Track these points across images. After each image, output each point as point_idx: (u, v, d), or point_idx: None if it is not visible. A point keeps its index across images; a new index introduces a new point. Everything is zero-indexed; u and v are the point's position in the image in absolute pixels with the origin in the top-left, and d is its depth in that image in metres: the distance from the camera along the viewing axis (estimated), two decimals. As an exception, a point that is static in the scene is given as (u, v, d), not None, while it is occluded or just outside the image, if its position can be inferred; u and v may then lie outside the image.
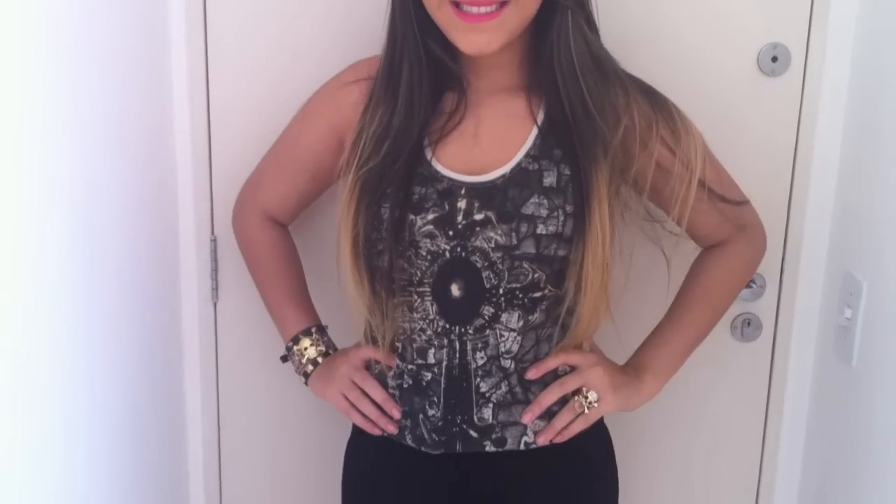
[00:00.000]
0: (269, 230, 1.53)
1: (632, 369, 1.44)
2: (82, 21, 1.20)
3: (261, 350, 1.70)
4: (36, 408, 1.06)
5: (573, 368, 1.39)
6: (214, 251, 1.67)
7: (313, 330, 1.49)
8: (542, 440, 1.38)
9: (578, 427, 1.39)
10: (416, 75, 1.30)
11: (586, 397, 1.38)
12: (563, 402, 1.39)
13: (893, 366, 1.36)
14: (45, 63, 1.08)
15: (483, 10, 1.21)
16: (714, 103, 1.56)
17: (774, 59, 1.58)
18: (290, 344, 1.50)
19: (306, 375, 1.48)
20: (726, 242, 1.46)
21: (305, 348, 1.48)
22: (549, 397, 1.37)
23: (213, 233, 1.66)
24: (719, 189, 1.39)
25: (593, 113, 1.28)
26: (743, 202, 1.45)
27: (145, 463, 1.49)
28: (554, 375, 1.39)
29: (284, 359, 1.53)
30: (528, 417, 1.37)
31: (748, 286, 1.66)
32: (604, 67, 1.31)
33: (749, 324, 1.69)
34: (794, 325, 1.67)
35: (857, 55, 1.52)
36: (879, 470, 1.39)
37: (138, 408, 1.45)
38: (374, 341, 1.41)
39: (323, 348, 1.49)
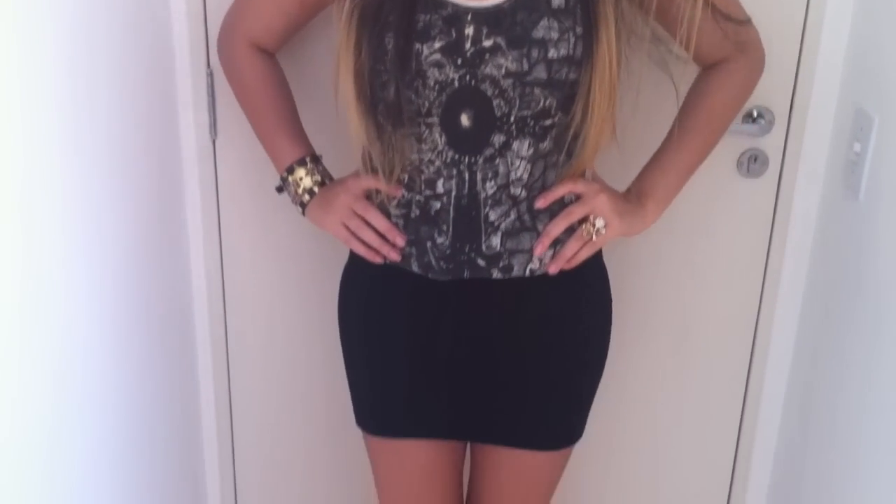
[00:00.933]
0: (256, 58, 1.48)
1: (633, 196, 1.46)
2: None
3: (261, 185, 1.69)
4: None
5: (578, 197, 1.40)
6: (211, 86, 1.63)
7: (308, 159, 1.47)
8: (553, 269, 1.40)
9: (586, 254, 1.42)
10: None
11: (593, 224, 1.40)
12: (570, 231, 1.40)
13: (901, 200, 1.35)
14: None
15: None
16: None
17: None
18: (285, 174, 1.48)
19: (303, 206, 1.47)
20: (725, 62, 1.43)
21: (301, 178, 1.47)
22: (557, 227, 1.38)
23: (208, 66, 1.62)
24: (724, 7, 1.36)
25: None
26: (745, 21, 1.42)
27: (147, 308, 1.50)
28: (560, 204, 1.39)
29: (280, 189, 1.51)
30: (539, 249, 1.38)
31: (755, 121, 1.63)
32: None
33: (755, 159, 1.67)
34: (801, 161, 1.65)
35: None
36: (882, 304, 1.39)
37: (138, 249, 1.45)
38: (375, 172, 1.39)
39: (318, 178, 1.47)
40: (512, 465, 1.51)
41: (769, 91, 1.60)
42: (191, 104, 1.63)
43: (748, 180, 1.69)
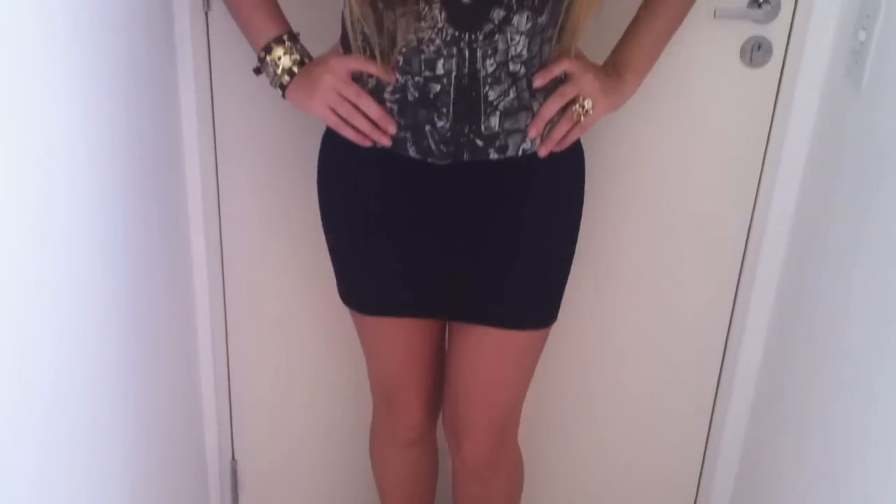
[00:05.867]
0: None
1: (613, 70, 1.47)
2: None
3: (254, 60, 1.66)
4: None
5: (567, 76, 1.40)
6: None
7: (285, 37, 1.43)
8: (544, 151, 1.41)
9: (575, 135, 1.43)
10: None
11: (583, 105, 1.41)
12: (561, 111, 1.41)
13: (903, 90, 1.33)
14: None
15: None
16: None
17: None
18: (262, 54, 1.44)
19: (283, 87, 1.44)
20: None
21: (279, 57, 1.42)
22: (550, 108, 1.39)
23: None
24: None
25: None
26: None
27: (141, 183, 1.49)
28: (553, 82, 1.39)
29: (258, 71, 1.47)
30: (534, 131, 1.39)
31: (760, 6, 1.60)
32: None
33: (759, 47, 1.64)
34: (805, 49, 1.62)
35: None
36: (882, 193, 1.38)
37: (129, 124, 1.43)
38: (360, 53, 1.37)
39: (297, 56, 1.43)
40: (488, 343, 1.52)
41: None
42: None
43: (751, 69, 1.67)
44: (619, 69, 1.46)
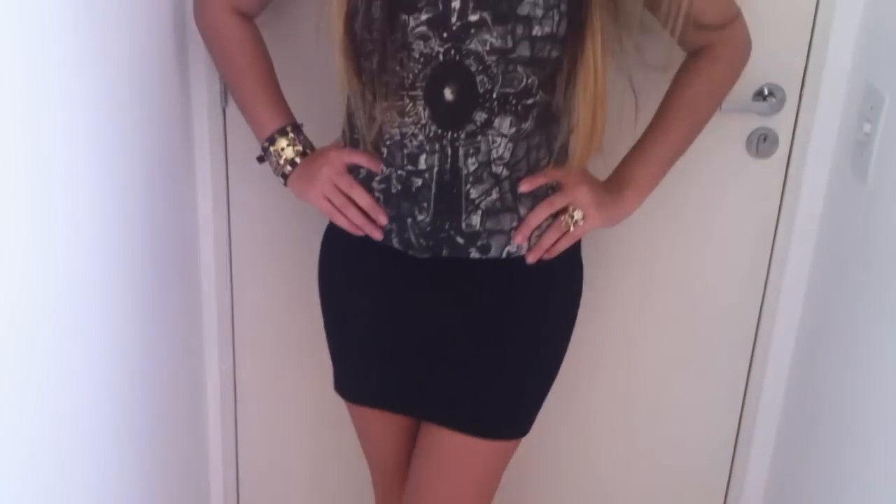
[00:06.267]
0: (235, 22, 1.47)
1: (614, 185, 1.46)
2: None
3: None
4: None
5: (559, 185, 1.40)
6: (223, 52, 1.63)
7: (289, 129, 1.47)
8: (531, 259, 1.41)
9: (564, 245, 1.43)
10: None
11: (572, 216, 1.41)
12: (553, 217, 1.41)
13: (909, 181, 1.35)
14: None
15: None
16: None
17: None
18: (266, 144, 1.47)
19: (285, 177, 1.47)
20: (710, 48, 1.43)
21: (282, 148, 1.46)
22: (537, 217, 1.39)
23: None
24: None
25: None
26: (732, 19, 1.42)
27: (153, 259, 1.51)
28: (544, 187, 1.39)
29: (261, 159, 1.50)
30: (520, 238, 1.39)
31: (766, 99, 1.63)
32: None
33: (765, 139, 1.67)
34: (811, 141, 1.64)
35: None
36: (888, 284, 1.39)
37: (148, 216, 1.45)
38: (356, 144, 1.40)
39: (300, 148, 1.47)
40: (448, 447, 1.48)
41: (780, 68, 1.60)
42: (203, 71, 1.63)
43: (757, 161, 1.69)
44: (620, 185, 1.45)
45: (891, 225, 1.39)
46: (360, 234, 1.42)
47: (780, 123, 1.65)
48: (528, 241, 1.40)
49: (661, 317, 1.82)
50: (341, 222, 1.43)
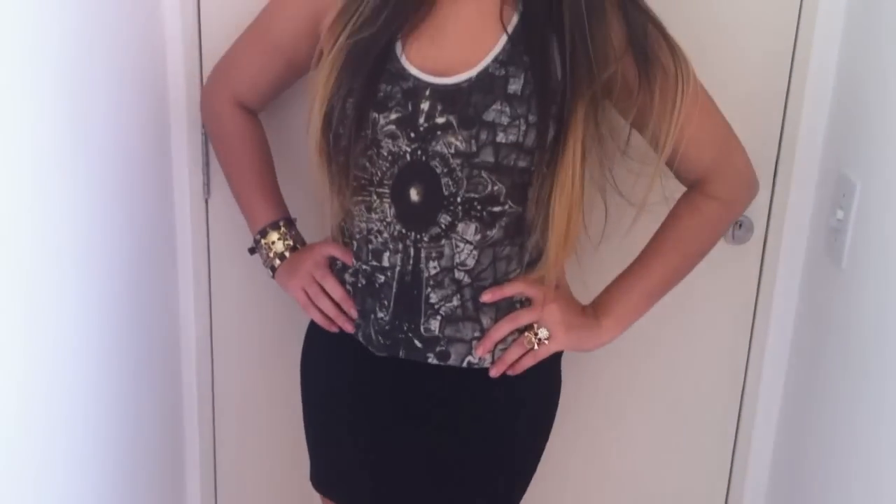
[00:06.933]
0: (239, 115, 1.50)
1: (592, 311, 1.42)
2: None
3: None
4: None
5: (527, 300, 1.37)
6: (206, 145, 1.65)
7: (282, 223, 1.49)
8: (494, 373, 1.37)
9: (527, 363, 1.38)
10: None
11: (536, 334, 1.37)
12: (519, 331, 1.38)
13: (882, 267, 1.37)
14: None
15: None
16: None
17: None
18: (258, 237, 1.49)
19: (273, 269, 1.49)
20: (705, 182, 1.39)
21: (273, 242, 1.48)
22: (500, 331, 1.35)
23: (204, 126, 1.64)
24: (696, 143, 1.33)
25: (590, 52, 1.23)
26: (727, 154, 1.39)
27: (137, 368, 1.50)
28: (509, 301, 1.36)
29: (252, 251, 1.52)
30: (481, 350, 1.36)
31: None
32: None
33: (741, 226, 1.70)
34: (785, 227, 1.67)
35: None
36: (866, 369, 1.40)
37: (131, 310, 1.45)
38: (342, 234, 1.41)
39: (290, 242, 1.49)
40: None
41: (754, 157, 1.62)
42: (185, 163, 1.65)
43: (734, 246, 1.71)
44: (597, 312, 1.41)
45: (867, 307, 1.41)
46: (333, 329, 1.42)
47: (755, 211, 1.68)
48: (492, 354, 1.37)
49: (641, 405, 1.83)
50: (314, 315, 1.44)
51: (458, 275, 1.33)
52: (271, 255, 1.48)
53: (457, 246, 1.32)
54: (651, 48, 1.27)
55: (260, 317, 1.78)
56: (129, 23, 1.42)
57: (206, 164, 1.66)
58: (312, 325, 1.51)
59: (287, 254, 1.48)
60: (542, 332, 1.37)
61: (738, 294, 1.75)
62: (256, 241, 1.50)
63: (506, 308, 1.37)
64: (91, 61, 1.25)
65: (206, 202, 1.70)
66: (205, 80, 1.60)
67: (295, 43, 1.39)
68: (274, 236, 1.48)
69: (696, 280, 1.71)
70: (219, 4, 1.58)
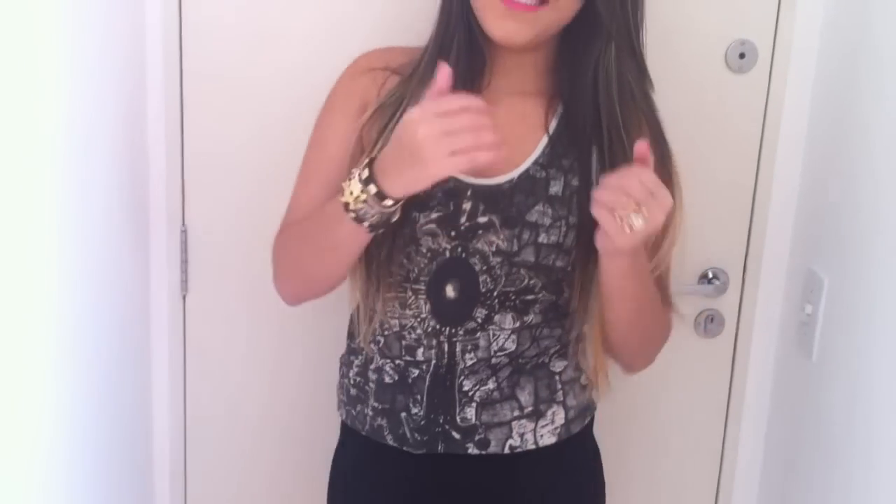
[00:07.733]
0: None
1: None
2: (58, 18, 1.20)
3: (229, 344, 1.70)
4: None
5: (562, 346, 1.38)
6: (185, 242, 1.66)
7: (343, 185, 1.19)
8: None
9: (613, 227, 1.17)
10: (463, 61, 1.27)
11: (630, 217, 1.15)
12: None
13: (852, 360, 1.39)
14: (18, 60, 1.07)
15: (527, 0, 1.19)
16: (681, 98, 1.57)
17: (742, 56, 1.60)
18: (350, 214, 1.18)
19: (381, 198, 1.16)
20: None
21: (351, 192, 1.17)
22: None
23: (183, 223, 1.65)
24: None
25: (627, 152, 1.23)
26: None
27: (109, 461, 1.48)
28: (546, 373, 1.36)
29: (371, 225, 1.20)
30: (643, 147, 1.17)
31: (710, 282, 1.69)
32: (639, 103, 1.28)
33: (712, 320, 1.72)
34: (755, 321, 1.70)
35: (822, 54, 1.56)
36: (839, 460, 1.41)
37: (104, 402, 1.44)
38: (351, 338, 1.39)
39: (356, 172, 1.18)
40: None
41: (723, 253, 1.67)
42: (164, 260, 1.65)
43: (706, 340, 1.74)
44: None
45: (838, 398, 1.43)
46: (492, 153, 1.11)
47: (726, 305, 1.71)
48: (534, 434, 1.34)
49: (615, 499, 1.81)
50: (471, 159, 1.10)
51: (496, 360, 1.33)
52: (358, 202, 1.16)
53: (494, 335, 1.32)
54: (665, 152, 1.31)
55: (236, 420, 1.76)
56: (110, 122, 1.44)
57: (185, 262, 1.67)
58: (342, 438, 1.46)
59: (361, 186, 1.16)
60: (638, 221, 1.13)
61: (711, 386, 1.76)
62: (346, 208, 1.18)
63: (546, 381, 1.36)
64: (68, 153, 1.26)
65: (184, 298, 1.70)
66: (186, 176, 1.62)
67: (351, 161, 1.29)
68: (347, 192, 1.17)
69: (668, 373, 1.74)
70: (200, 89, 1.60)
